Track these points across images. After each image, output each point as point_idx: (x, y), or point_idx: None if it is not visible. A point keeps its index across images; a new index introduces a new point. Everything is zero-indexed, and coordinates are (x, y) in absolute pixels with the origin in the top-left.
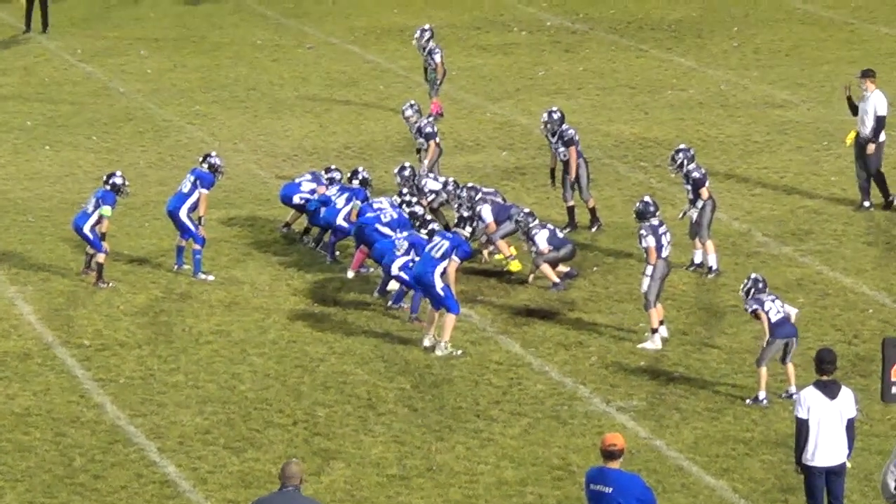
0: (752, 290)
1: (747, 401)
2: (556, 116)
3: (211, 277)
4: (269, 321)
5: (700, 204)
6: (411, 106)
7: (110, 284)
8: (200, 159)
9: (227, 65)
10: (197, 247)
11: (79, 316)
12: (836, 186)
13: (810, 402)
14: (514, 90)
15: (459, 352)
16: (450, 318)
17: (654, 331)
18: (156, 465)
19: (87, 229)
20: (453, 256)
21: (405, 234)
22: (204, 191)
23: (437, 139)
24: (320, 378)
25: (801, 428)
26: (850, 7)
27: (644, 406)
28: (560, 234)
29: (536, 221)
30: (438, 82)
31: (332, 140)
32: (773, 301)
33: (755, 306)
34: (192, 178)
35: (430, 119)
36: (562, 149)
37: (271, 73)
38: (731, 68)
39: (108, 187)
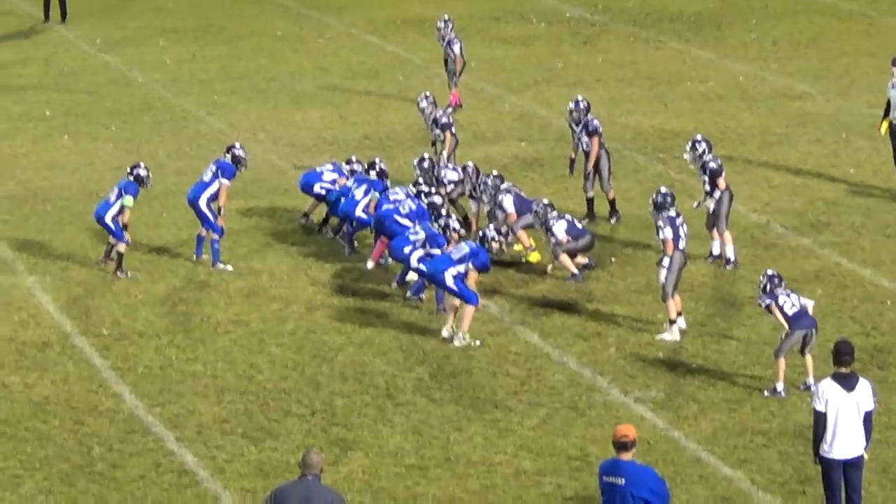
0: (768, 286)
1: (765, 392)
2: (582, 105)
3: (229, 267)
4: (287, 311)
5: (717, 195)
6: (426, 97)
7: (129, 274)
8: (224, 150)
9: (246, 55)
10: (215, 236)
11: (97, 305)
12: (855, 178)
13: (828, 395)
14: (533, 81)
15: (478, 342)
16: (468, 310)
17: (672, 322)
18: (174, 455)
19: (108, 219)
20: (470, 265)
21: (420, 225)
22: (225, 181)
23: (453, 129)
24: (338, 368)
25: (819, 420)
26: None
27: (662, 397)
28: (578, 225)
29: (555, 212)
30: (458, 73)
31: (352, 131)
32: (788, 295)
33: (768, 301)
34: (213, 168)
35: (449, 110)
36: (585, 138)
37: (291, 63)
38: (750, 60)
39: (131, 178)
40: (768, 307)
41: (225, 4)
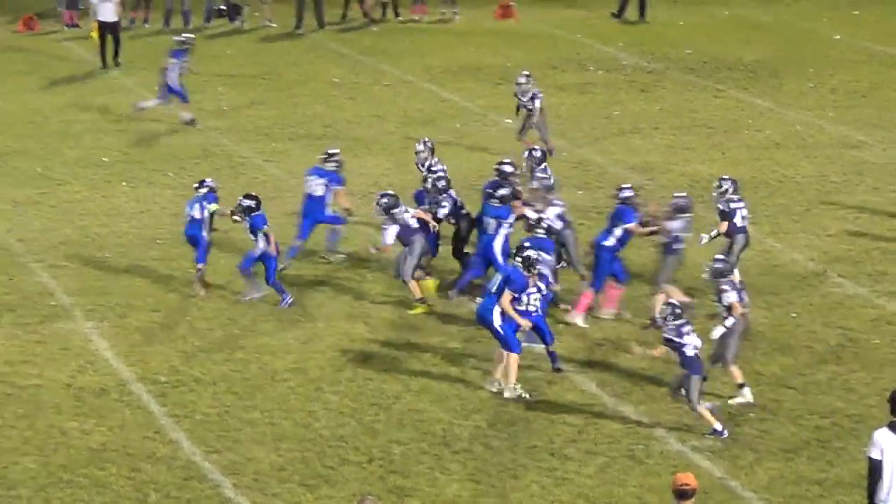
0: (670, 317)
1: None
2: (536, 155)
3: (342, 256)
4: (344, 359)
5: (713, 233)
6: (425, 143)
7: (203, 294)
8: (323, 157)
9: (303, 102)
10: (339, 227)
11: (155, 352)
12: None
13: (884, 444)
14: (591, 129)
15: (527, 395)
16: (512, 359)
17: (742, 385)
18: (231, 502)
19: (204, 234)
20: (506, 291)
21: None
22: (337, 187)
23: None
24: (396, 416)
25: (875, 469)
26: None
27: (719, 446)
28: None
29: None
30: (534, 126)
31: (409, 178)
32: (691, 334)
33: (673, 338)
34: (321, 181)
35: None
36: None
37: (348, 110)
38: (808, 108)
39: (203, 190)
40: (668, 342)
41: (282, 51)
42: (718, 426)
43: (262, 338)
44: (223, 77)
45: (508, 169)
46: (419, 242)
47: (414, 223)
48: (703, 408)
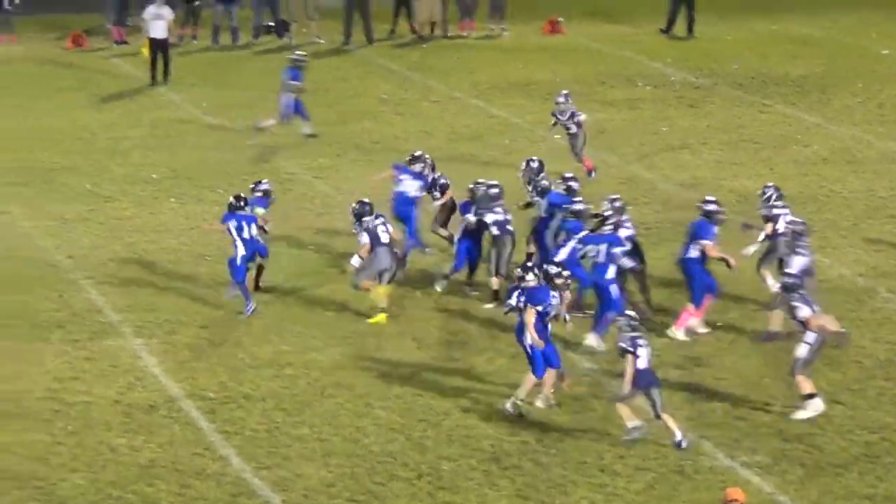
0: (626, 328)
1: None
2: (533, 165)
3: (429, 250)
4: (393, 374)
5: (760, 237)
6: (425, 160)
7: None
8: (409, 159)
9: (351, 118)
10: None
11: (204, 368)
12: None
13: None
14: (639, 145)
15: (520, 413)
16: (529, 379)
17: (812, 396)
18: None
19: (256, 237)
20: (528, 307)
21: None
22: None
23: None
24: (444, 432)
25: None
26: None
27: (768, 461)
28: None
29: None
30: (579, 144)
31: (457, 194)
32: (645, 347)
33: (627, 347)
34: (416, 185)
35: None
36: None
37: (396, 126)
38: (856, 124)
39: (258, 194)
40: (624, 352)
41: (331, 67)
42: (681, 437)
43: (311, 353)
44: (272, 93)
45: (575, 185)
46: (382, 256)
47: (384, 237)
48: (669, 417)
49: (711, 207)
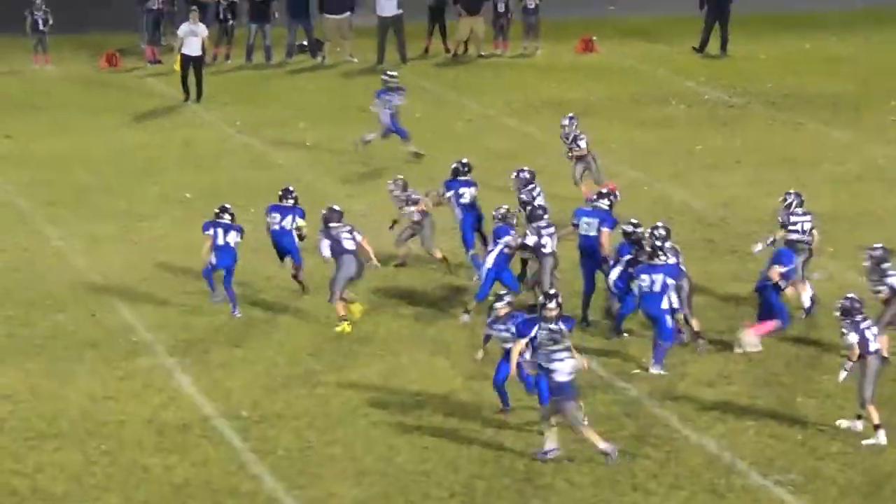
0: (547, 342)
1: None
2: (524, 176)
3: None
4: (426, 393)
5: (769, 240)
6: (395, 182)
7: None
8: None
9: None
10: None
11: (237, 387)
12: None
13: None
14: (672, 164)
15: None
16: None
17: (878, 427)
18: None
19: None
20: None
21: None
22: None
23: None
24: (477, 451)
25: None
26: None
27: (801, 480)
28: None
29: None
30: (590, 167)
31: (490, 214)
32: (562, 361)
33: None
34: (471, 192)
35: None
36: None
37: (430, 145)
38: (889, 142)
39: (291, 202)
40: (539, 368)
41: (364, 86)
42: (607, 447)
43: (344, 372)
44: (305, 112)
45: (630, 230)
46: (347, 264)
47: (349, 244)
48: (589, 428)
49: (795, 237)
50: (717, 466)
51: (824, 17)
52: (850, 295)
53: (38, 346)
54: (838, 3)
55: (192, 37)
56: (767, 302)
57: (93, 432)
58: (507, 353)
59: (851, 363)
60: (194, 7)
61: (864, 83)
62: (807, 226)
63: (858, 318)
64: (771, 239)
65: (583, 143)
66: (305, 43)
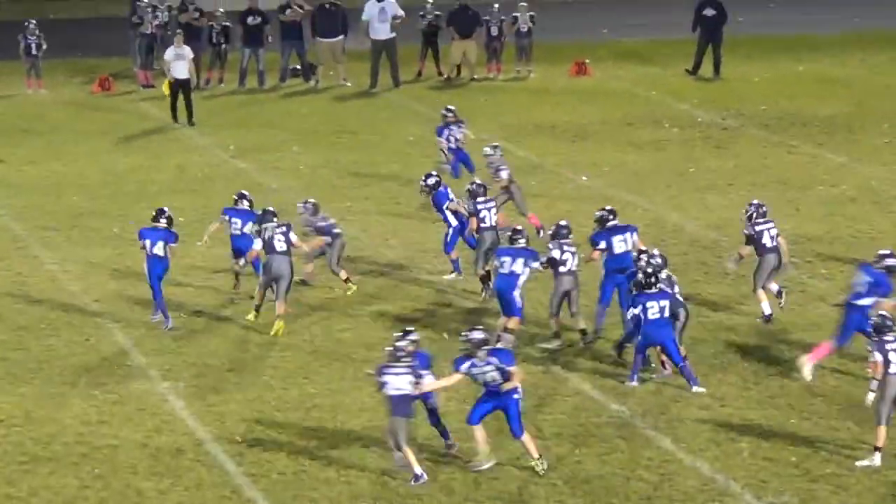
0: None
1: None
2: (472, 188)
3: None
4: (420, 417)
5: (735, 257)
6: (305, 205)
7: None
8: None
9: (379, 161)
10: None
11: (231, 412)
12: None
13: None
14: (665, 186)
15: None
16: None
17: (878, 449)
18: None
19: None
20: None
21: None
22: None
23: (336, 230)
24: (472, 474)
25: None
26: None
27: (796, 502)
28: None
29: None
30: (511, 198)
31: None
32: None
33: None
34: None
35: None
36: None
37: (424, 168)
38: (883, 163)
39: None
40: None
41: (357, 109)
42: (418, 470)
43: (338, 396)
44: (299, 136)
45: (643, 260)
46: (275, 265)
47: (280, 245)
48: (409, 451)
49: (891, 263)
50: (711, 489)
51: (817, 39)
52: (882, 312)
53: (32, 371)
54: (831, 26)
55: (180, 60)
56: (849, 317)
57: (87, 456)
58: (489, 390)
59: (877, 381)
60: (179, 31)
61: (858, 105)
62: (773, 232)
63: (889, 336)
64: (735, 255)
65: (504, 174)
66: (299, 67)
